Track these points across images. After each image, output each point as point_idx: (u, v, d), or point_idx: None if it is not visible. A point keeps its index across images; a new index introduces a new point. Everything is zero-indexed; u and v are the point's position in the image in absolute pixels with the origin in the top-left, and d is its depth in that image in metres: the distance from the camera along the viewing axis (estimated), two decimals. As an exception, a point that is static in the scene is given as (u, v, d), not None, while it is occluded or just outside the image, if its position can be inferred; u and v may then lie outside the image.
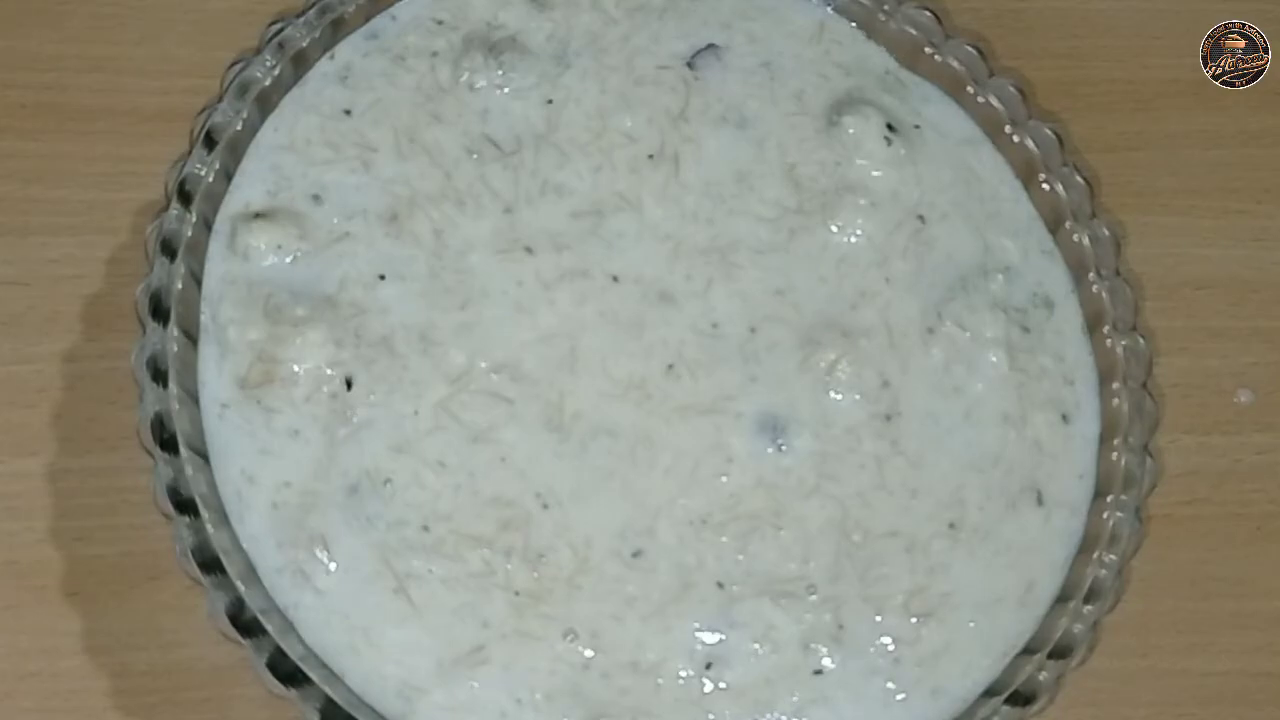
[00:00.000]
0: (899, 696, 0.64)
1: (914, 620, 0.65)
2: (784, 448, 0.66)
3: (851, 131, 0.71)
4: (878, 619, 0.64)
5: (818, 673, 0.64)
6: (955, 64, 0.73)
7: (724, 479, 0.66)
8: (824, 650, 0.64)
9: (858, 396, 0.67)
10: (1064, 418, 0.69)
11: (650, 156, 0.70)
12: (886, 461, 0.67)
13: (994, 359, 0.69)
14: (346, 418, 0.65)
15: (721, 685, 0.63)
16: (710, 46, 0.73)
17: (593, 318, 0.67)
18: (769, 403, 0.67)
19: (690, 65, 0.72)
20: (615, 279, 0.68)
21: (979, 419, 0.68)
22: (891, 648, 0.64)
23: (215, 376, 0.65)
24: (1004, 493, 0.67)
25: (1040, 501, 0.67)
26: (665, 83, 0.72)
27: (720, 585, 0.64)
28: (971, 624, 0.65)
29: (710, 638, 0.64)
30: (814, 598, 0.64)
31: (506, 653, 0.63)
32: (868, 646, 0.64)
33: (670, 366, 0.67)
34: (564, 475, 0.65)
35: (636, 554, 0.64)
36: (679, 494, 0.65)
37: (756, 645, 0.64)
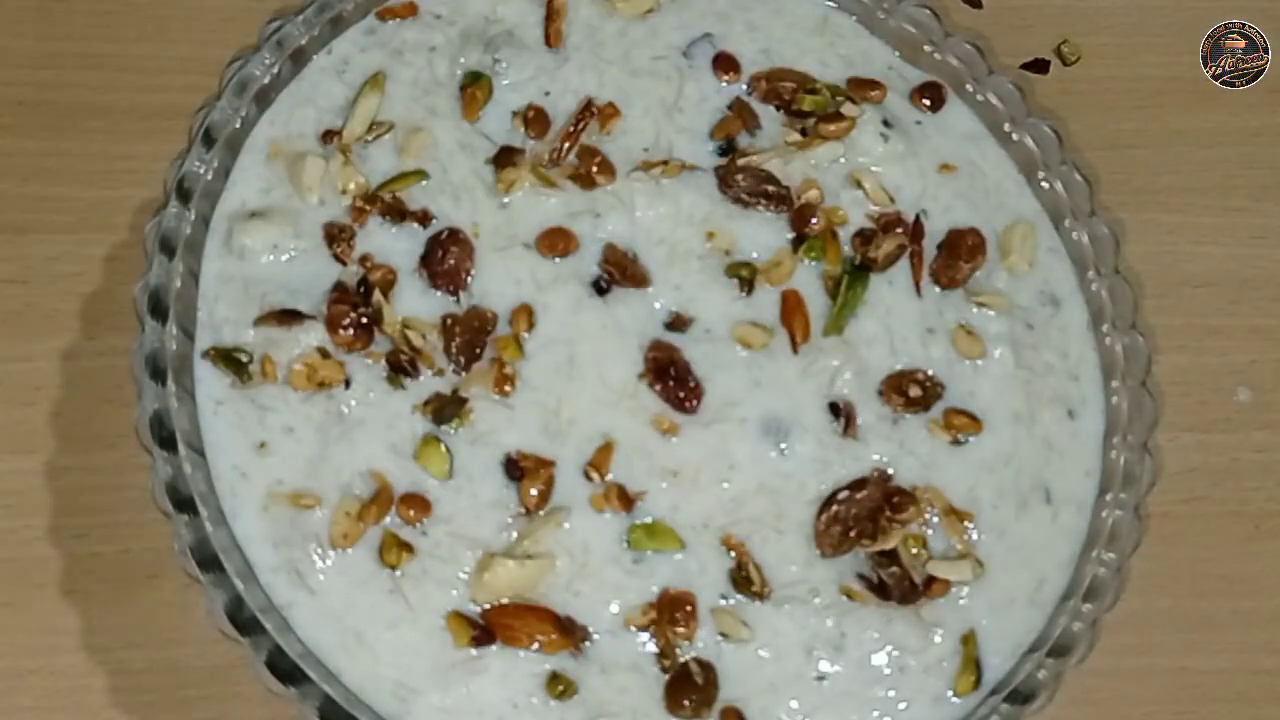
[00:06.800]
0: (900, 705, 0.64)
1: (925, 633, 0.64)
2: (786, 452, 0.66)
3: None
4: (883, 626, 0.64)
5: (820, 678, 0.64)
6: (954, 61, 0.73)
7: (726, 484, 0.65)
8: (826, 656, 0.64)
9: (863, 399, 0.67)
10: (1070, 414, 0.68)
11: (645, 150, 0.70)
12: (896, 464, 0.67)
13: (998, 354, 0.68)
14: (342, 416, 0.64)
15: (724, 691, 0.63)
16: (706, 36, 0.72)
17: (590, 322, 0.67)
18: (772, 408, 0.66)
19: (685, 55, 0.72)
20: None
21: (989, 418, 0.68)
22: (896, 654, 0.64)
23: (211, 374, 0.65)
24: (1015, 491, 0.67)
25: (1049, 499, 0.67)
26: (660, 73, 0.71)
27: (721, 592, 0.64)
28: (984, 622, 0.65)
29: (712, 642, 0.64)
30: (817, 601, 0.64)
31: (504, 655, 0.62)
32: (871, 653, 0.64)
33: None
34: (562, 480, 0.64)
35: (637, 560, 0.64)
36: (680, 498, 0.65)
37: (759, 650, 0.63)
